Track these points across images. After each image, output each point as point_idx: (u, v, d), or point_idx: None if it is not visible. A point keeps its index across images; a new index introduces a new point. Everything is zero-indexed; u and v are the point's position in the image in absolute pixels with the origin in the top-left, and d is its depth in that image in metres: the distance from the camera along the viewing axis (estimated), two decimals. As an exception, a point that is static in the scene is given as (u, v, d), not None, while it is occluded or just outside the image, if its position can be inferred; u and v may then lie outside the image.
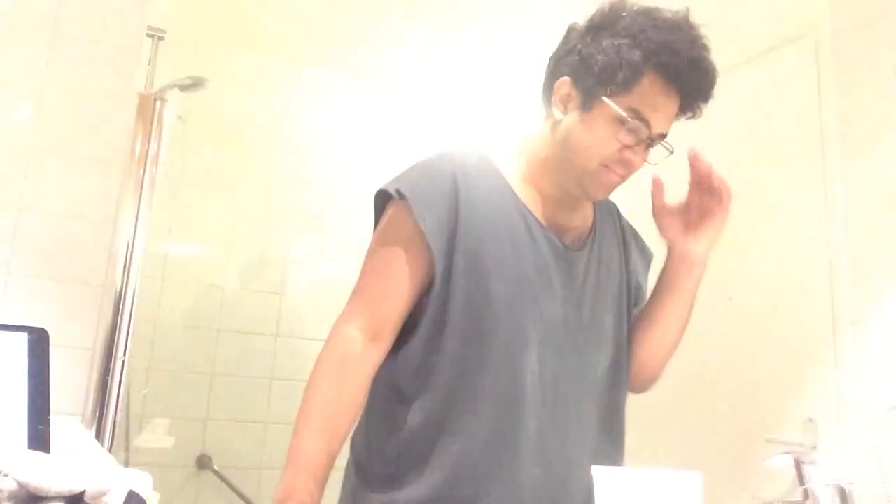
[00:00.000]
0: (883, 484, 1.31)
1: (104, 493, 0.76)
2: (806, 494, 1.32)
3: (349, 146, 2.84)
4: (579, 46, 1.10)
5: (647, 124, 1.06)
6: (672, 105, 1.08)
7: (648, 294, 1.25)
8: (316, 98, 2.80)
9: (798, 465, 1.35)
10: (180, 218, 2.48)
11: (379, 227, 1.14)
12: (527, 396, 1.07)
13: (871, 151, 1.61)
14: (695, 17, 1.09)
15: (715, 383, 1.89)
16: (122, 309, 1.46)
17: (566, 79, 1.11)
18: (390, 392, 1.12)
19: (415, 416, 1.08)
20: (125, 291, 1.47)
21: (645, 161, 1.10)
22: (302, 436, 1.03)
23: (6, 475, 0.73)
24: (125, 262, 1.48)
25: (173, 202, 2.38)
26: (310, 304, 2.67)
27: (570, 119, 1.10)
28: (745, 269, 1.88)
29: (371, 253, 1.13)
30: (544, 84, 1.16)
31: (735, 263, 1.91)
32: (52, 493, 0.73)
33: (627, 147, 1.07)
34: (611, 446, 1.17)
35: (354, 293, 1.11)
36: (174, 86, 1.92)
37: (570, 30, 1.14)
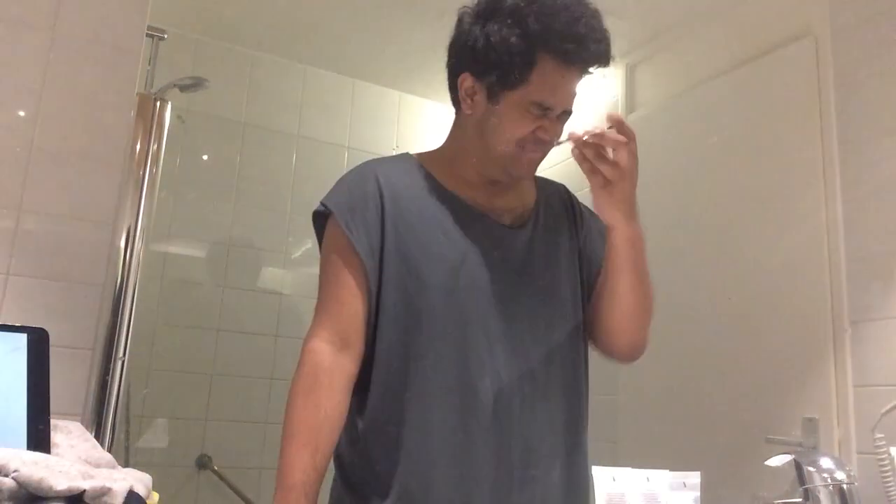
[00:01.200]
0: (883, 484, 1.31)
1: (104, 493, 0.76)
2: (806, 494, 1.32)
3: (349, 145, 2.84)
4: (471, 38, 1.11)
5: (552, 108, 1.09)
6: (571, 82, 1.10)
7: None
8: (316, 98, 2.80)
9: (798, 465, 1.34)
10: (180, 218, 2.48)
11: (322, 244, 1.17)
12: (475, 377, 1.08)
13: (870, 151, 1.61)
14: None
15: (715, 383, 1.88)
16: (122, 309, 1.46)
17: (466, 74, 1.13)
18: (353, 396, 1.12)
19: (365, 414, 1.09)
20: (125, 291, 1.47)
21: (559, 132, 1.13)
22: (287, 455, 1.03)
23: (6, 475, 0.73)
24: (125, 262, 1.48)
25: (173, 202, 2.38)
26: (310, 304, 2.67)
27: (480, 112, 1.13)
28: (745, 269, 1.88)
29: (321, 270, 1.16)
30: (448, 76, 1.18)
31: (735, 263, 1.91)
32: (52, 494, 0.73)
33: (539, 128, 1.10)
34: (574, 416, 1.16)
35: (315, 311, 1.14)
36: (174, 86, 1.92)
37: (461, 17, 1.14)
